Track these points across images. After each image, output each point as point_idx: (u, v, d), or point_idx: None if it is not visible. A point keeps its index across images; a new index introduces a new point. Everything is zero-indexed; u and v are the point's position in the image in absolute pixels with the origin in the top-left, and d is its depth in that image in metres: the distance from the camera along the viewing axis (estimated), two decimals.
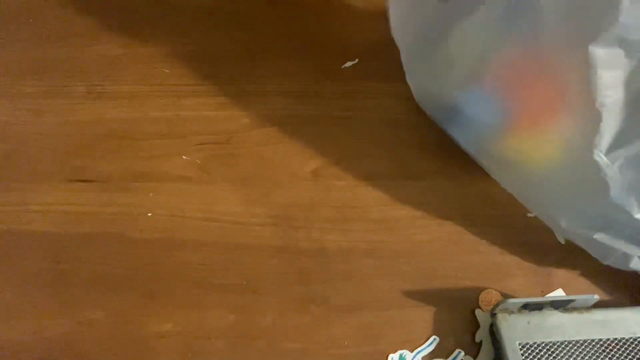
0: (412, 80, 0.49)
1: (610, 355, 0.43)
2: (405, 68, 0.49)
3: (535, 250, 0.48)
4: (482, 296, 0.47)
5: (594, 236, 0.44)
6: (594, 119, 0.39)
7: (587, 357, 0.43)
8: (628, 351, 0.43)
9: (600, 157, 0.39)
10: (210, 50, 0.54)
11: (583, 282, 0.48)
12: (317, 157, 0.50)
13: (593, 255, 0.46)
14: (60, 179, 0.48)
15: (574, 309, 0.45)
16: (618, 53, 0.37)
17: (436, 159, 0.50)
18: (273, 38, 0.54)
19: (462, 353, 0.45)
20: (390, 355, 0.45)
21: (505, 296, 0.47)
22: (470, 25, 0.42)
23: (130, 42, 0.52)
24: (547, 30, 0.39)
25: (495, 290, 0.47)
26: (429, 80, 0.48)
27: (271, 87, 0.49)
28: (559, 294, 0.47)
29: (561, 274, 0.48)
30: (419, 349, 0.45)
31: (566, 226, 0.45)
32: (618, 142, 0.40)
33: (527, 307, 0.44)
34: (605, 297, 0.47)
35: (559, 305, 0.45)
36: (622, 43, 0.37)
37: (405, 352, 0.45)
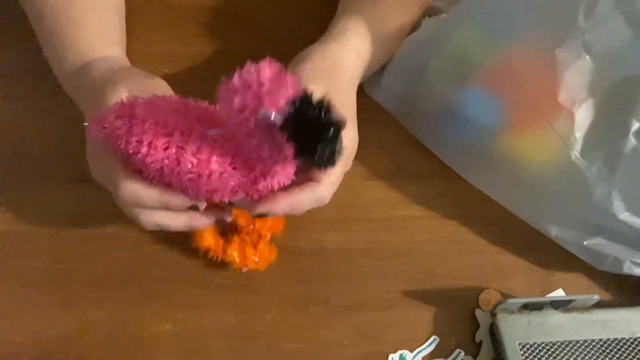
0: (391, 105, 0.51)
1: (610, 355, 0.43)
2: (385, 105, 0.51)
3: (535, 250, 0.48)
4: (482, 296, 0.47)
5: (584, 243, 0.45)
6: (567, 120, 0.40)
7: (587, 357, 0.43)
8: (628, 351, 0.43)
9: (578, 158, 0.40)
10: (210, 50, 0.53)
11: (583, 282, 0.48)
12: None
13: (587, 261, 0.46)
14: (60, 179, 0.48)
15: (574, 309, 0.45)
16: (582, 57, 0.40)
17: (436, 159, 0.50)
18: (273, 38, 0.54)
19: (462, 353, 0.45)
20: (390, 355, 0.45)
21: (505, 296, 0.47)
22: (454, 41, 0.45)
23: (130, 42, 0.52)
24: (520, 38, 0.42)
25: (495, 290, 0.47)
26: (411, 105, 0.50)
27: None
28: (559, 294, 0.47)
29: (561, 274, 0.48)
30: (419, 349, 0.45)
31: (556, 235, 0.46)
32: (593, 144, 0.41)
33: (527, 307, 0.45)
34: (605, 297, 0.47)
35: (559, 305, 0.45)
36: (586, 48, 0.39)
37: (405, 352, 0.45)
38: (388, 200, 0.49)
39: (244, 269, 0.45)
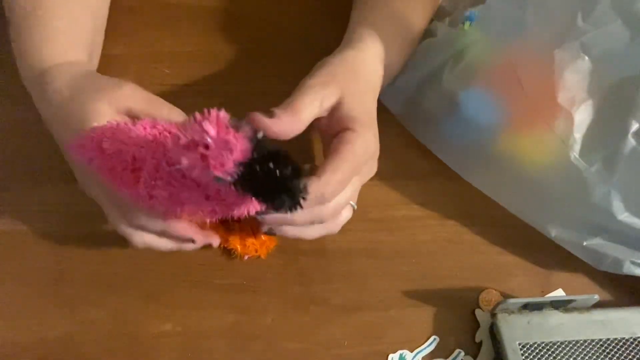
0: (394, 105, 0.51)
1: (610, 355, 0.43)
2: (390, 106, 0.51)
3: (535, 250, 0.48)
4: (482, 296, 0.47)
5: (584, 243, 0.45)
6: (566, 121, 0.40)
7: (587, 357, 0.43)
8: (628, 351, 0.43)
9: (577, 159, 0.41)
10: (210, 50, 0.53)
11: (583, 282, 0.48)
12: (317, 157, 0.50)
13: (587, 261, 0.46)
14: (60, 179, 0.48)
15: (574, 309, 0.45)
16: (581, 58, 0.40)
17: (436, 159, 0.50)
18: (273, 38, 0.54)
19: (462, 353, 0.45)
20: (390, 355, 0.45)
21: (505, 296, 0.47)
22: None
23: (130, 42, 0.52)
24: (520, 40, 0.42)
25: (495, 290, 0.47)
26: (415, 106, 0.50)
27: (271, 87, 0.49)
28: (559, 294, 0.47)
29: (561, 274, 0.48)
30: (419, 349, 0.45)
31: (556, 235, 0.46)
32: (592, 145, 0.41)
33: (527, 307, 0.45)
34: (605, 297, 0.47)
35: (559, 305, 0.45)
36: (585, 49, 0.39)
37: (405, 352, 0.45)
38: (388, 200, 0.49)
39: (245, 257, 0.45)
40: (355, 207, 0.42)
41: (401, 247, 0.48)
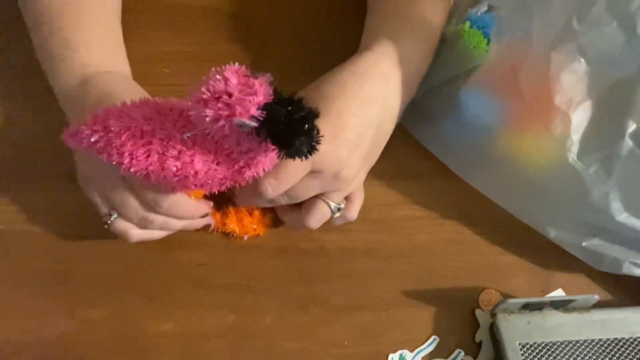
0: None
1: (610, 355, 0.43)
2: None
3: (535, 250, 0.48)
4: (482, 296, 0.47)
5: (583, 244, 0.45)
6: (564, 123, 0.41)
7: (587, 357, 0.43)
8: (628, 351, 0.43)
9: (575, 160, 0.41)
10: (210, 50, 0.53)
11: (583, 282, 0.48)
12: None
13: (586, 262, 0.46)
14: (60, 179, 0.48)
15: (574, 309, 0.45)
16: (577, 60, 0.40)
17: (436, 159, 0.50)
18: (273, 39, 0.54)
19: (462, 353, 0.45)
20: (390, 355, 0.45)
21: (505, 296, 0.47)
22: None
23: (130, 42, 0.52)
24: (518, 41, 0.42)
25: (495, 290, 0.47)
26: (415, 106, 0.49)
27: None
28: (559, 294, 0.47)
29: (561, 274, 0.48)
30: (419, 349, 0.45)
31: (555, 236, 0.46)
32: (590, 146, 0.41)
33: (527, 307, 0.45)
34: (605, 297, 0.47)
35: (559, 305, 0.45)
36: (581, 51, 0.40)
37: (405, 352, 0.45)
38: (388, 200, 0.49)
39: (245, 237, 0.46)
40: (336, 211, 0.43)
41: (401, 247, 0.48)
